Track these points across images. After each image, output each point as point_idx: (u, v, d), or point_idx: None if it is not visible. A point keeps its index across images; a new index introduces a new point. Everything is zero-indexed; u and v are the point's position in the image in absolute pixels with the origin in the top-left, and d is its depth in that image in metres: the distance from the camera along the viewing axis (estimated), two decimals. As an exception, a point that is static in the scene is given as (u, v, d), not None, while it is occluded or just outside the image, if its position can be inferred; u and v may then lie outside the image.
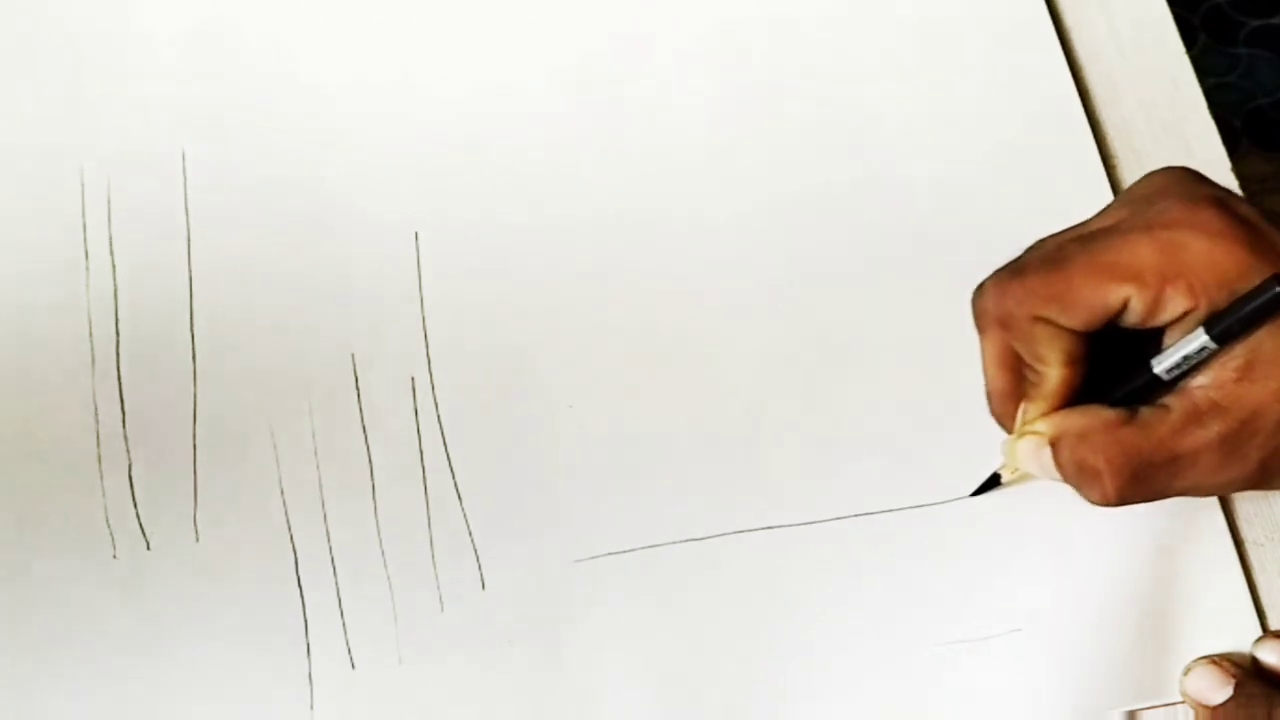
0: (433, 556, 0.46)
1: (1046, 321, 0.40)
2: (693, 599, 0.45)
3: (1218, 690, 0.43)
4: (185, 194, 0.51)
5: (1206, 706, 0.43)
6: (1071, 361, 0.41)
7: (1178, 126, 0.53)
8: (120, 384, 0.48)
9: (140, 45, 0.54)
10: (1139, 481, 0.40)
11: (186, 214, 0.51)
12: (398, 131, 0.52)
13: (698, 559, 0.46)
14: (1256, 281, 0.38)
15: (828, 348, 0.49)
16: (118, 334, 0.49)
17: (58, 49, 0.54)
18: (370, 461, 0.47)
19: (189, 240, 0.50)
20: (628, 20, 0.55)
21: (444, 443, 0.47)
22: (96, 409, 0.48)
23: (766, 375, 0.48)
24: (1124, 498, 0.41)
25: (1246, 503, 0.47)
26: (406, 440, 0.47)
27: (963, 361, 0.45)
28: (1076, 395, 0.42)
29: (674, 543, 0.46)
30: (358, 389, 0.48)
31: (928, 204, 0.51)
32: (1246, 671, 0.43)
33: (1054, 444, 0.41)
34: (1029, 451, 0.42)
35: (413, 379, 0.48)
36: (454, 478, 0.47)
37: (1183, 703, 0.44)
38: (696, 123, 0.53)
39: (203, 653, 0.44)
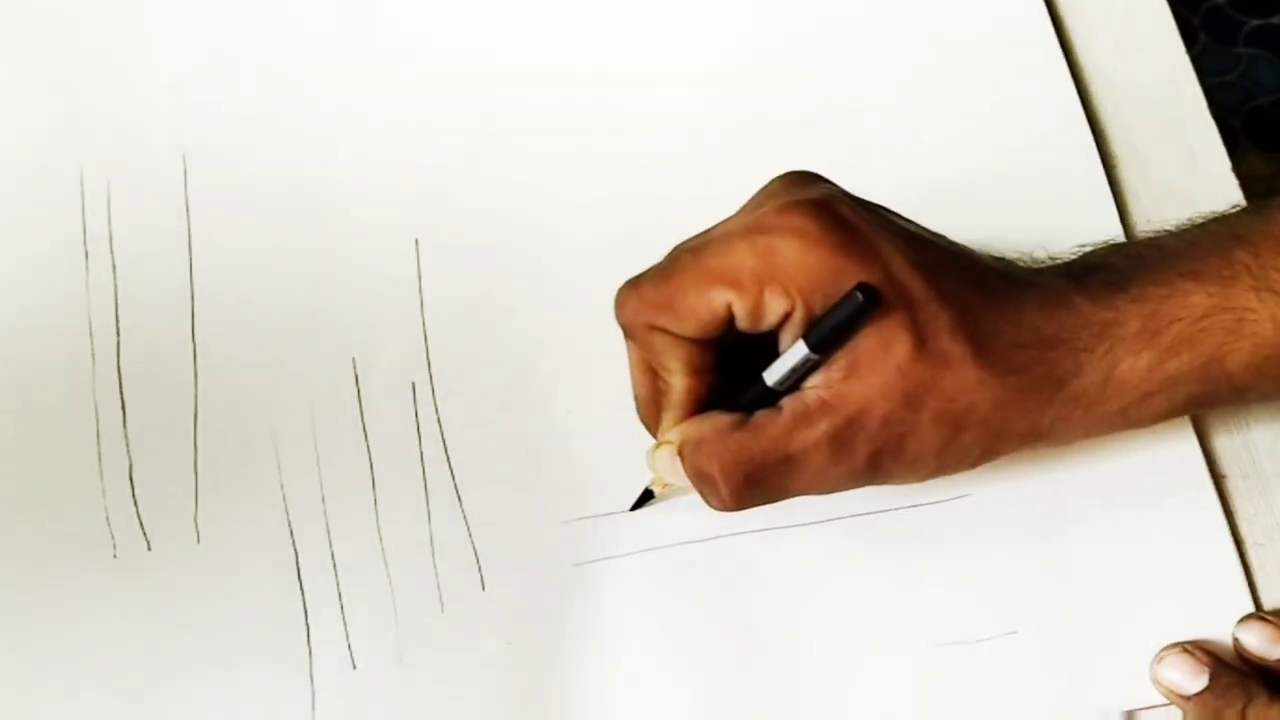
0: (433, 557, 0.46)
1: (662, 330, 0.41)
2: (692, 600, 0.45)
3: (1192, 680, 0.43)
4: (186, 196, 0.51)
5: (1182, 696, 0.43)
6: (694, 370, 0.41)
7: (1178, 126, 0.53)
8: (121, 385, 0.48)
9: (142, 48, 0.54)
10: (753, 484, 0.41)
11: (187, 216, 0.51)
12: (399, 137, 0.52)
13: (697, 560, 0.46)
14: (848, 284, 0.38)
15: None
16: (118, 335, 0.49)
17: (59, 50, 0.54)
18: (371, 463, 0.47)
19: (190, 242, 0.51)
20: (625, 31, 0.55)
21: (444, 445, 0.47)
22: (97, 410, 0.48)
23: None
24: (741, 501, 0.41)
25: (1247, 503, 0.47)
26: (407, 443, 0.47)
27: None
28: (709, 403, 0.42)
29: (673, 545, 0.46)
30: (358, 392, 0.48)
31: (928, 204, 0.51)
32: (1220, 661, 0.44)
33: (680, 452, 0.42)
34: (664, 461, 0.42)
35: (413, 383, 0.48)
36: (454, 478, 0.47)
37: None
38: (695, 129, 0.53)
39: (204, 653, 0.45)
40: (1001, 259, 0.43)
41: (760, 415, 0.41)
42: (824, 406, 0.40)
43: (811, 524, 0.46)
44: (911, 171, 0.52)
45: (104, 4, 0.55)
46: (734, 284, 0.39)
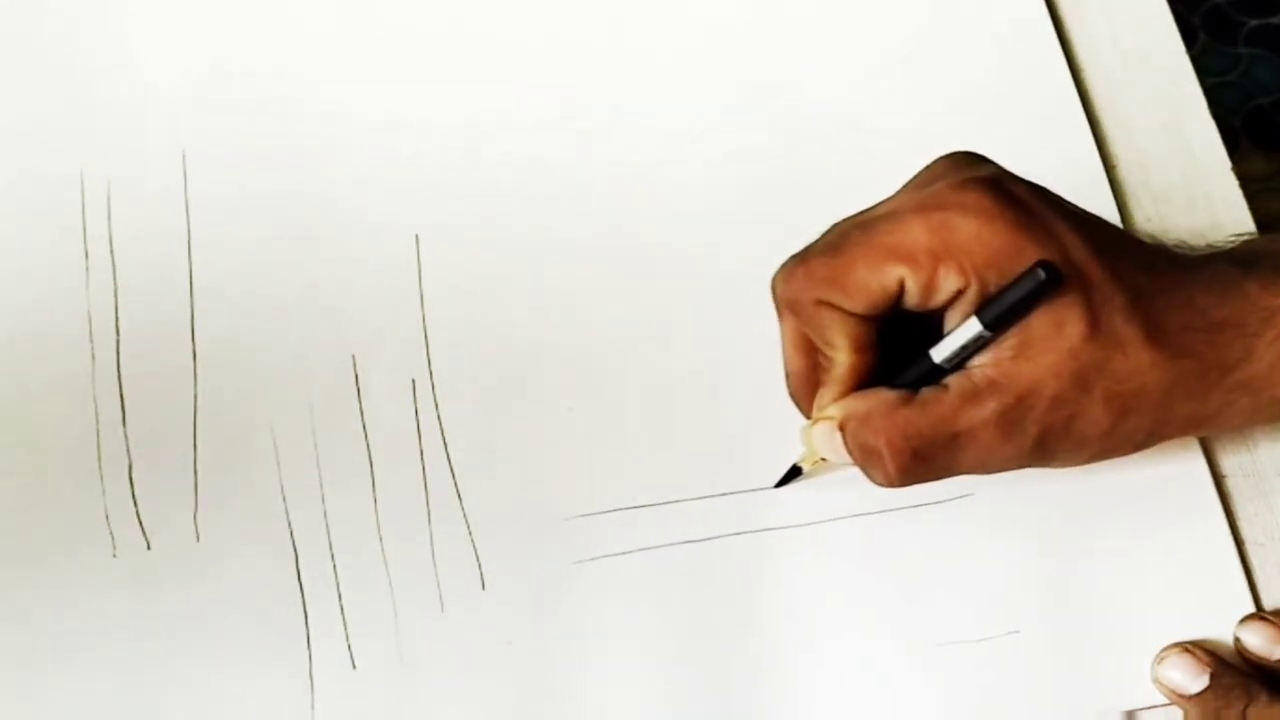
0: (433, 557, 0.46)
1: (830, 306, 0.41)
2: (692, 600, 0.45)
3: (1193, 680, 0.43)
4: (186, 194, 0.51)
5: (1182, 696, 0.43)
6: (859, 347, 0.41)
7: (1178, 126, 0.53)
8: (120, 384, 0.48)
9: (141, 46, 0.54)
10: (919, 460, 0.40)
11: (187, 214, 0.51)
12: (399, 133, 0.52)
13: (697, 560, 0.46)
14: (1025, 261, 0.38)
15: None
16: (118, 333, 0.49)
17: (59, 49, 0.54)
18: (371, 462, 0.47)
19: (189, 240, 0.50)
20: (627, 25, 0.55)
21: (444, 443, 0.47)
22: (97, 409, 0.48)
23: (766, 376, 0.48)
24: (906, 478, 0.41)
25: (1246, 503, 0.47)
26: (407, 441, 0.47)
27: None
28: (869, 380, 0.42)
29: (673, 544, 0.46)
30: (358, 390, 0.48)
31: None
32: (1221, 661, 0.44)
33: (842, 428, 0.41)
34: (822, 437, 0.42)
35: (413, 380, 0.48)
36: (454, 478, 0.47)
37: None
38: (695, 125, 0.53)
39: (203, 652, 0.44)
40: (1165, 245, 0.43)
41: (927, 392, 0.40)
42: (993, 385, 0.39)
43: (812, 524, 0.46)
44: (911, 171, 0.51)
45: (103, 3, 0.55)
46: (908, 260, 0.39)
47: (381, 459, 0.47)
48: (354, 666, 0.45)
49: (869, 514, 0.46)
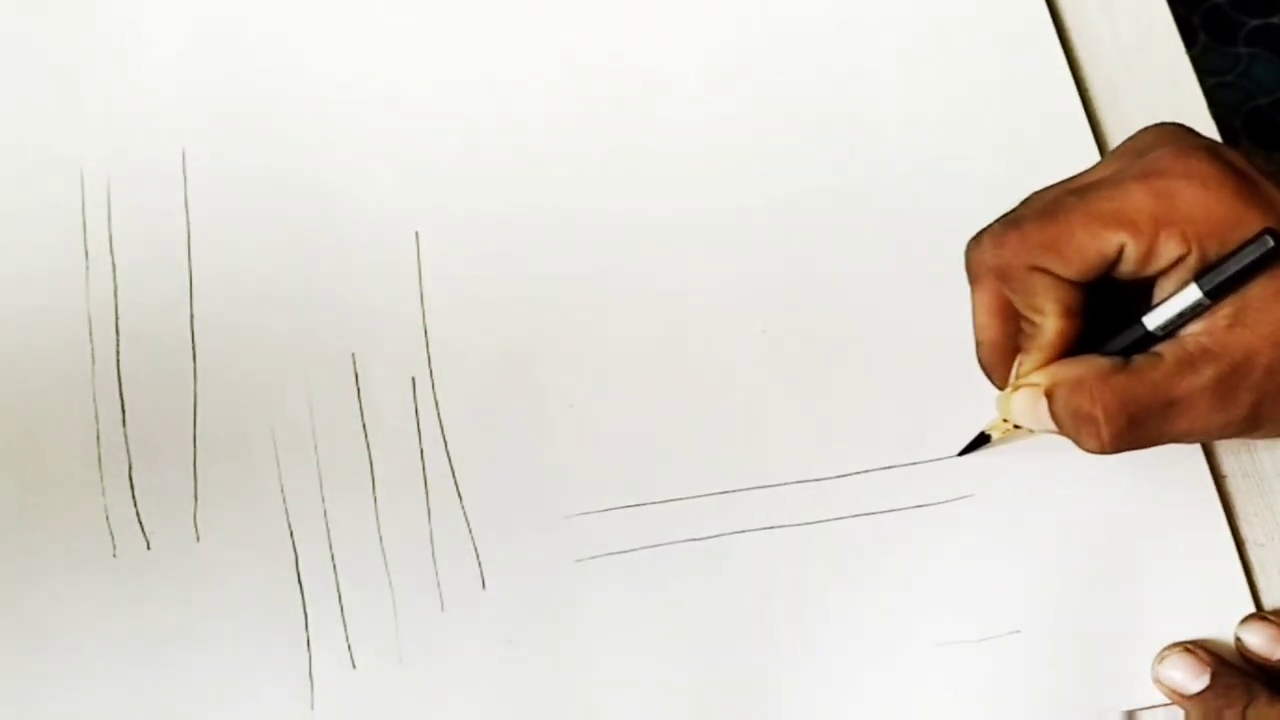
0: (433, 556, 0.46)
1: (1044, 271, 0.41)
2: (693, 599, 0.45)
3: (1193, 680, 0.43)
4: (185, 194, 0.51)
5: (1183, 696, 0.43)
6: (1069, 313, 0.41)
7: (1178, 127, 0.53)
8: (120, 383, 0.48)
9: (141, 45, 0.54)
10: (1134, 427, 0.40)
11: (187, 214, 0.51)
12: (398, 131, 0.52)
13: (698, 559, 0.46)
14: (1247, 230, 0.38)
15: (828, 347, 0.49)
16: (118, 334, 0.49)
17: (58, 49, 0.54)
18: (370, 461, 0.47)
19: (189, 240, 0.50)
20: (627, 21, 0.55)
21: (444, 442, 0.47)
22: (97, 409, 0.48)
23: (767, 375, 0.48)
24: (1120, 443, 0.41)
25: (1247, 503, 0.47)
26: (407, 440, 0.47)
27: (965, 361, 0.45)
28: (1072, 349, 0.42)
29: (674, 542, 0.46)
30: (358, 389, 0.48)
31: (928, 204, 0.51)
32: (1221, 660, 0.44)
33: (1049, 394, 0.41)
34: (1025, 403, 0.42)
35: (413, 379, 0.48)
36: (454, 477, 0.47)
37: (1183, 702, 0.44)
38: (696, 123, 0.53)
39: (203, 652, 0.45)
40: None
41: (1140, 359, 0.40)
42: (1208, 353, 0.39)
43: (813, 524, 0.46)
44: (911, 171, 0.52)
45: (104, 4, 0.55)
46: (1129, 226, 0.39)
47: (381, 457, 0.47)
48: (354, 666, 0.45)
49: (870, 514, 0.46)
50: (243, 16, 0.54)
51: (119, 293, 0.50)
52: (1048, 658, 0.45)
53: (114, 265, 0.50)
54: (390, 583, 0.45)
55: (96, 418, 0.48)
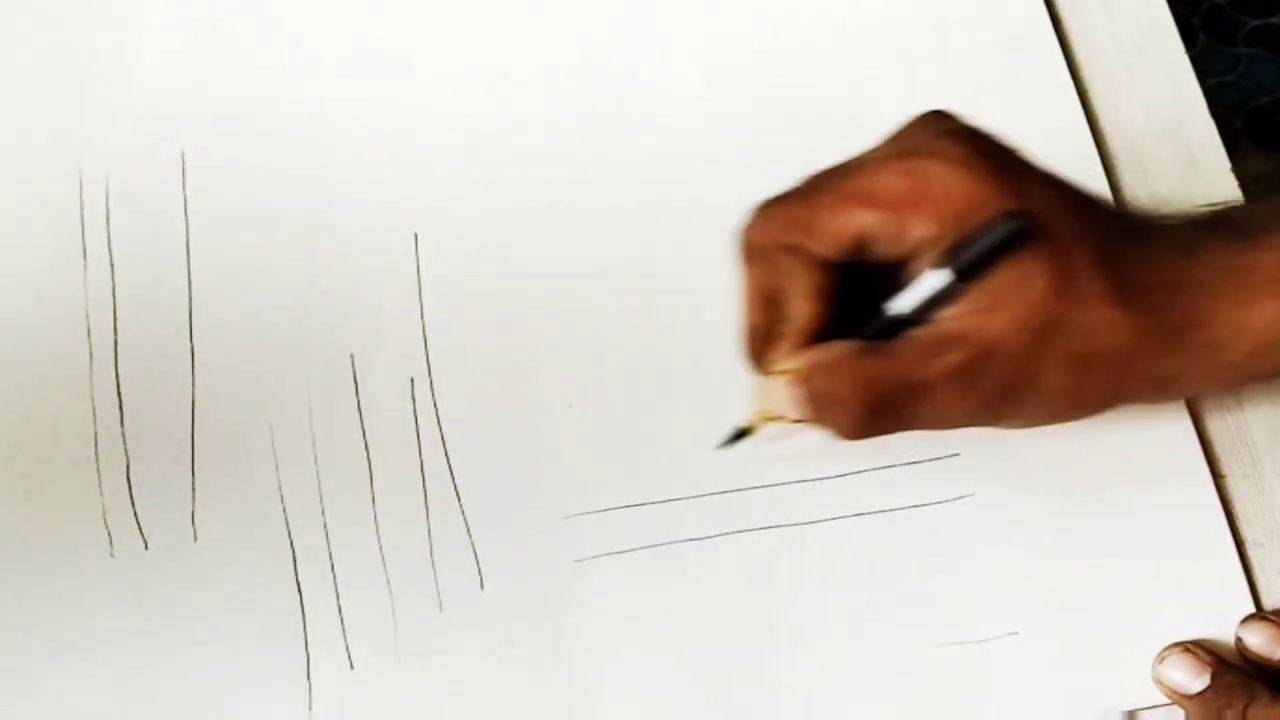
0: (432, 556, 0.46)
1: (798, 250, 0.41)
2: (692, 599, 0.45)
3: (1194, 680, 0.43)
4: (184, 193, 0.51)
5: (1184, 695, 0.43)
6: (820, 295, 0.41)
7: (1178, 126, 0.53)
8: (118, 383, 0.48)
9: (140, 44, 0.54)
10: (882, 410, 0.40)
11: (185, 213, 0.51)
12: (397, 133, 0.52)
13: (697, 559, 0.46)
14: (994, 213, 0.38)
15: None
16: (116, 333, 0.49)
17: (57, 47, 0.54)
18: (369, 461, 0.47)
19: (188, 240, 0.50)
20: (627, 21, 0.55)
21: (443, 443, 0.47)
22: (94, 408, 0.48)
23: (766, 375, 0.48)
24: (866, 427, 0.41)
25: (1247, 503, 0.47)
26: (405, 440, 0.47)
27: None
28: (827, 336, 0.41)
29: (673, 542, 0.46)
30: (357, 389, 0.48)
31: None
32: (1222, 660, 0.44)
33: (803, 378, 0.41)
34: (779, 391, 0.42)
35: (412, 379, 0.48)
36: (453, 478, 0.47)
37: (1183, 703, 0.44)
38: (696, 122, 0.53)
39: (201, 652, 0.44)
40: (1133, 209, 0.43)
41: (891, 343, 0.40)
42: (957, 338, 0.39)
43: (812, 524, 0.46)
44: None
45: (103, 4, 0.55)
46: (879, 205, 0.39)
47: (380, 458, 0.47)
48: (352, 666, 0.44)
49: (869, 514, 0.46)
50: (243, 17, 0.54)
51: (117, 292, 0.50)
52: (1048, 658, 0.45)
53: (112, 264, 0.50)
54: (389, 583, 0.45)
55: (94, 417, 0.48)
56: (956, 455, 0.47)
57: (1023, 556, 0.46)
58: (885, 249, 0.40)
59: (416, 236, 0.50)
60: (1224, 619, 0.45)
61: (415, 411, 0.48)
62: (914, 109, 0.53)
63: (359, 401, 0.48)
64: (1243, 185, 0.52)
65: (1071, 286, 0.39)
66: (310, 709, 0.44)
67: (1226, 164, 0.53)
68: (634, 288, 0.50)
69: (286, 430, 0.47)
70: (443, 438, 0.47)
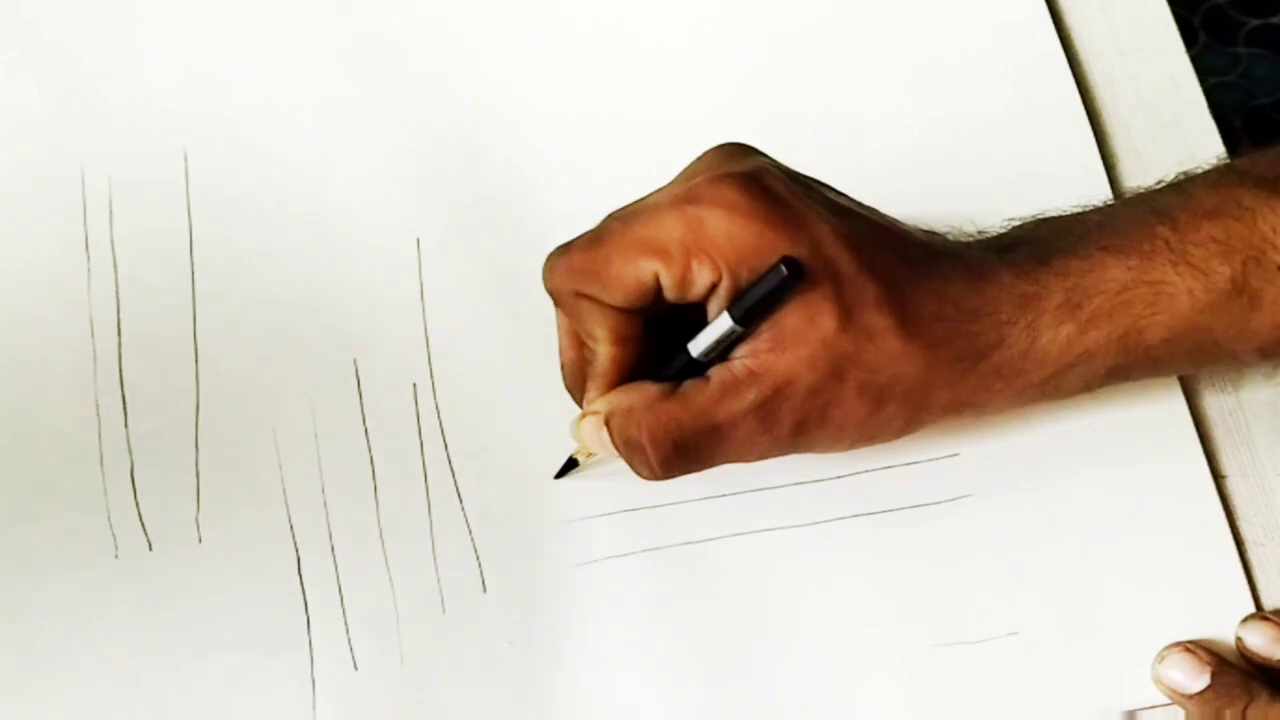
0: (434, 558, 0.46)
1: (589, 298, 0.41)
2: (693, 601, 0.45)
3: (1194, 679, 0.43)
4: (187, 194, 0.51)
5: (1184, 695, 0.43)
6: (620, 340, 0.42)
7: (1178, 126, 0.53)
8: (122, 384, 0.48)
9: (143, 45, 0.54)
10: (681, 453, 0.41)
11: (189, 214, 0.51)
12: (400, 136, 0.52)
13: (697, 561, 0.46)
14: (774, 255, 0.39)
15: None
16: (120, 334, 0.49)
17: (60, 48, 0.54)
18: (372, 463, 0.47)
19: (191, 241, 0.51)
20: (628, 26, 0.55)
21: (445, 445, 0.47)
22: (98, 409, 0.48)
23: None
24: (669, 469, 0.41)
25: (1247, 503, 0.47)
26: (408, 443, 0.47)
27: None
28: (635, 375, 0.42)
29: (674, 545, 0.46)
30: (360, 392, 0.48)
31: (927, 204, 0.51)
32: (1222, 660, 0.44)
33: (607, 422, 0.42)
34: (589, 431, 0.42)
35: (414, 383, 0.48)
36: (455, 480, 0.47)
37: (1182, 703, 0.44)
38: (696, 124, 0.52)
39: (205, 653, 0.45)
40: (930, 231, 0.44)
41: (688, 385, 0.41)
42: (750, 377, 0.40)
43: (812, 524, 0.46)
44: (911, 171, 0.52)
45: (104, 4, 0.55)
46: (661, 253, 0.40)
47: (383, 461, 0.47)
48: (355, 667, 0.45)
49: (868, 515, 0.47)
50: (245, 17, 0.54)
51: (121, 294, 0.50)
52: (1047, 658, 0.45)
53: (116, 266, 0.50)
54: (392, 585, 0.45)
55: (99, 418, 0.48)
56: (956, 455, 0.47)
57: (1023, 556, 0.46)
58: (675, 295, 0.40)
59: (419, 240, 0.51)
60: (1224, 619, 0.45)
61: (418, 414, 0.48)
62: (913, 110, 0.53)
63: (362, 404, 0.48)
64: (1243, 185, 0.52)
65: (858, 322, 0.40)
66: (314, 709, 0.44)
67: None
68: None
69: (290, 432, 0.47)
70: (445, 440, 0.47)
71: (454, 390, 0.48)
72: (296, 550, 0.46)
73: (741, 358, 0.40)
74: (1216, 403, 0.48)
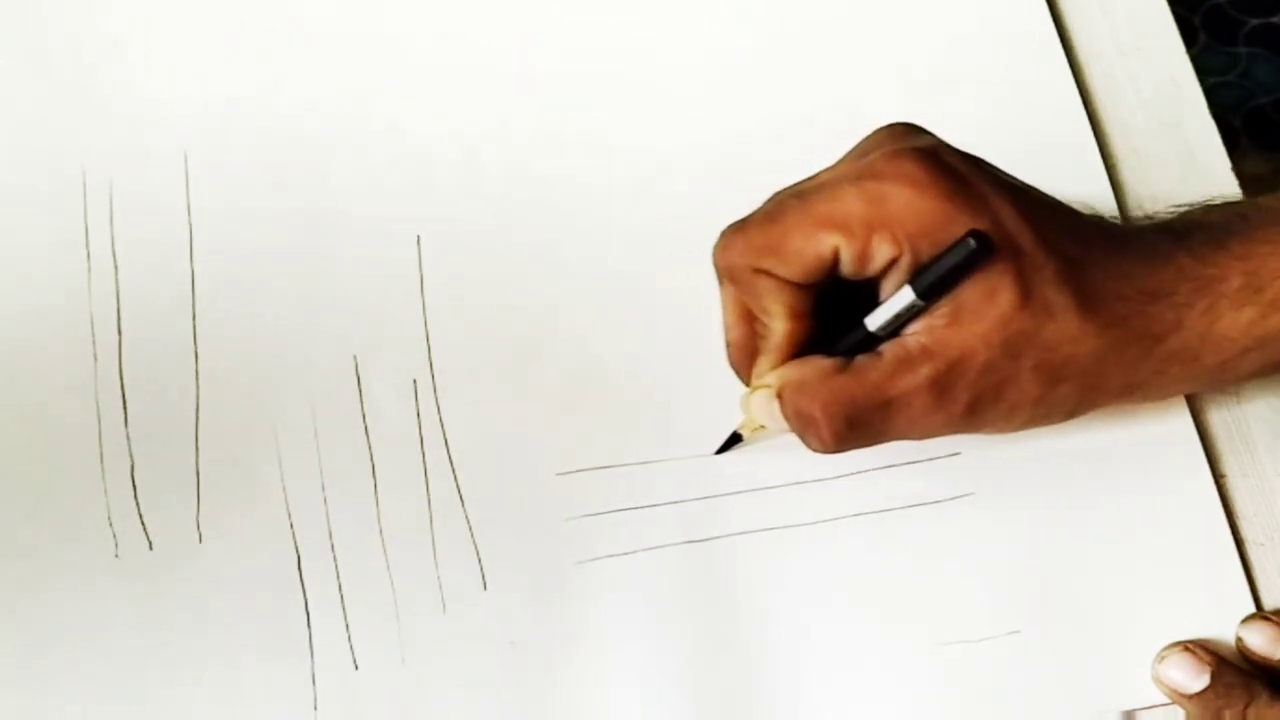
0: (435, 557, 0.46)
1: (767, 274, 0.41)
2: (693, 600, 0.45)
3: (1194, 679, 0.43)
4: (188, 195, 0.51)
5: (1184, 695, 0.43)
6: (795, 315, 0.42)
7: (1178, 126, 0.53)
8: (123, 384, 0.48)
9: (143, 46, 0.54)
10: (854, 426, 0.41)
11: (189, 215, 0.51)
12: (400, 134, 0.52)
13: (698, 560, 0.46)
14: (957, 231, 0.39)
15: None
16: (120, 334, 0.49)
17: (61, 49, 0.54)
18: (372, 462, 0.47)
19: (191, 241, 0.51)
20: (629, 28, 0.55)
21: (446, 444, 0.47)
22: (99, 409, 0.48)
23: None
24: (841, 443, 0.41)
25: (1247, 503, 0.47)
26: (408, 441, 0.47)
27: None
28: (806, 349, 0.42)
29: (675, 544, 0.46)
30: (360, 390, 0.48)
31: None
32: (1222, 660, 0.44)
33: (779, 395, 0.42)
34: (761, 404, 0.43)
35: (414, 381, 0.48)
36: (456, 479, 0.47)
37: (1182, 702, 0.44)
38: (696, 125, 0.53)
39: (205, 653, 0.45)
40: (1101, 216, 0.43)
41: (862, 359, 0.41)
42: (925, 353, 0.40)
43: (813, 524, 0.46)
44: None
45: (105, 5, 0.55)
46: (842, 228, 0.40)
47: (383, 459, 0.47)
48: (356, 667, 0.45)
49: (869, 514, 0.47)
50: (245, 17, 0.55)
51: (121, 293, 0.50)
52: (1048, 657, 0.45)
53: (116, 266, 0.50)
54: (392, 584, 0.45)
55: (99, 418, 0.48)
56: (957, 455, 0.47)
57: (1023, 556, 0.46)
58: (852, 271, 0.40)
59: (419, 238, 0.51)
60: (1224, 619, 0.45)
61: (418, 413, 0.48)
62: (914, 109, 0.53)
63: (362, 403, 0.48)
64: (1243, 185, 0.52)
65: (1038, 300, 0.39)
66: (315, 709, 0.44)
67: (1226, 164, 0.53)
68: (635, 290, 0.50)
69: (290, 431, 0.47)
70: (445, 439, 0.47)
71: (454, 389, 0.48)
72: (296, 550, 0.46)
73: (915, 333, 0.40)
74: (1217, 403, 0.48)
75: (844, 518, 0.47)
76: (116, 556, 0.46)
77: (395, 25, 0.55)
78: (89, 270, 0.50)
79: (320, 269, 0.50)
